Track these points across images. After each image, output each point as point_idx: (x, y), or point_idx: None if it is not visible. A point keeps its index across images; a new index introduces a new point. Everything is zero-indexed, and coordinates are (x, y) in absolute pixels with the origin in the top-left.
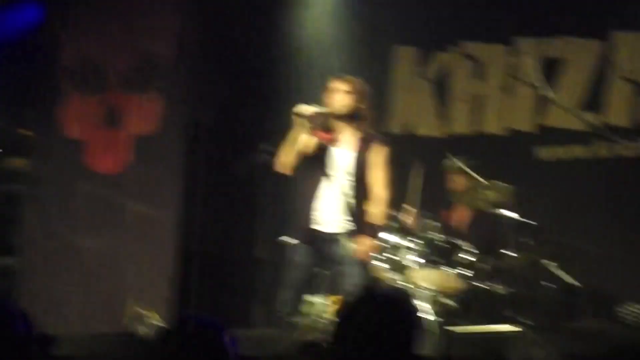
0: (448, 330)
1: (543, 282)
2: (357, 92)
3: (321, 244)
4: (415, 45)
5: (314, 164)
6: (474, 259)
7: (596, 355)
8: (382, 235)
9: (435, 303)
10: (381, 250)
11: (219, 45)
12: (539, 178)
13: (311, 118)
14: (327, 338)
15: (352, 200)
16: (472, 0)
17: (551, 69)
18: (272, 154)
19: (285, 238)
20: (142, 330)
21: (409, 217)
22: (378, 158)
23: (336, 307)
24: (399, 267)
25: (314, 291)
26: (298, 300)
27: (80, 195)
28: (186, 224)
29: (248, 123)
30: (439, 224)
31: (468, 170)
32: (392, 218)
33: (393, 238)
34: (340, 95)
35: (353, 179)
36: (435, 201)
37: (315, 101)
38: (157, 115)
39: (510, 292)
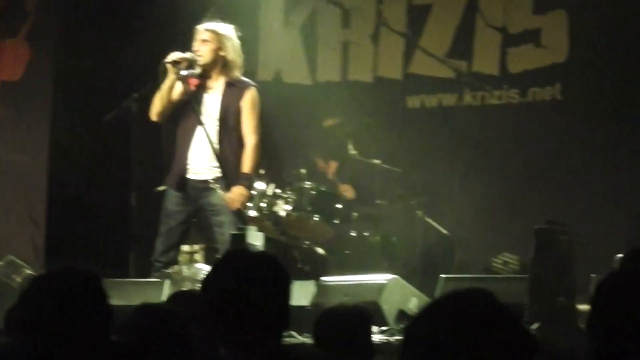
0: (321, 280)
1: (416, 232)
2: (219, 40)
3: (195, 193)
4: None
5: (185, 111)
6: (347, 208)
7: None
8: (255, 184)
9: (308, 251)
10: (254, 199)
11: None
12: (408, 125)
13: (178, 65)
14: (199, 287)
15: (221, 147)
16: None
17: (419, 16)
18: (146, 101)
19: (160, 187)
20: (16, 280)
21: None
22: (247, 105)
23: (208, 255)
24: (272, 216)
25: (188, 240)
26: (173, 249)
27: None
28: (55, 171)
29: (120, 70)
30: (309, 173)
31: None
32: (264, 166)
33: (264, 187)
34: (202, 43)
35: (221, 125)
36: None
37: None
38: (24, 61)
39: (384, 241)
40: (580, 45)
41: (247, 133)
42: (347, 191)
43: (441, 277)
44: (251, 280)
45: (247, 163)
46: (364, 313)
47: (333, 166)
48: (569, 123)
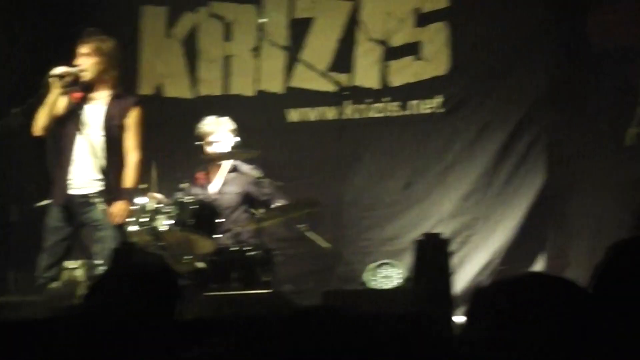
0: (202, 293)
1: (297, 245)
2: (101, 54)
3: (77, 208)
4: (164, 5)
5: (69, 125)
6: (226, 221)
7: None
8: (136, 199)
9: (188, 266)
10: (136, 213)
11: None
12: (289, 139)
13: (62, 79)
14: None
15: (104, 161)
16: None
17: (300, 29)
18: (28, 116)
19: (41, 202)
20: None
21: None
22: (131, 122)
23: (89, 271)
24: (153, 231)
25: (71, 256)
26: (56, 265)
27: None
28: None
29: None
30: (190, 187)
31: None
32: (146, 181)
33: (146, 201)
34: (84, 58)
35: (104, 139)
36: (189, 164)
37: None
38: None
39: (265, 255)
40: (460, 59)
41: (130, 149)
42: None
43: (322, 291)
44: (139, 299)
45: (129, 178)
46: None
47: (216, 179)
48: (449, 136)
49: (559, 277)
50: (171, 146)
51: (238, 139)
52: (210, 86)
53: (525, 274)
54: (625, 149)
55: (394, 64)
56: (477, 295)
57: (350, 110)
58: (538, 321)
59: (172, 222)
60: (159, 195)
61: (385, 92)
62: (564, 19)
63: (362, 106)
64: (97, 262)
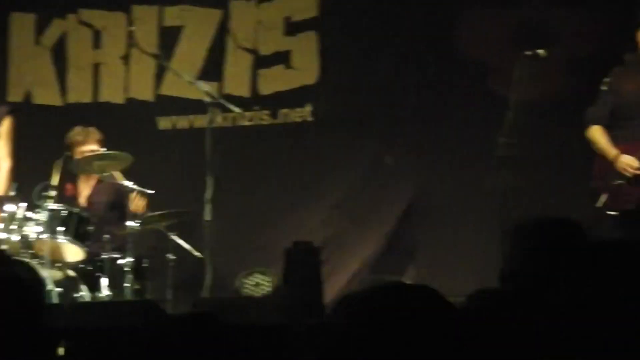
0: (70, 301)
1: (168, 253)
2: None
3: None
4: (33, 12)
5: None
6: (97, 229)
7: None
8: (6, 207)
9: (58, 274)
10: (5, 221)
11: None
12: (159, 147)
13: None
14: None
15: None
16: None
17: (170, 37)
18: None
19: None
20: None
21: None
22: (3, 131)
23: None
24: (22, 239)
25: None
26: None
27: None
28: None
29: None
30: (59, 195)
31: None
32: (16, 189)
33: (15, 209)
34: None
35: None
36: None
37: None
38: None
39: (136, 263)
40: (330, 67)
41: (1, 157)
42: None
43: (193, 300)
44: (7, 309)
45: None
46: None
47: (85, 188)
48: (319, 144)
49: (423, 286)
50: (40, 154)
51: (105, 149)
52: (80, 93)
53: (388, 284)
54: (496, 158)
55: (264, 73)
56: (341, 305)
57: (220, 119)
58: (397, 331)
59: (42, 230)
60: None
61: (256, 100)
62: (432, 34)
63: (232, 115)
64: None
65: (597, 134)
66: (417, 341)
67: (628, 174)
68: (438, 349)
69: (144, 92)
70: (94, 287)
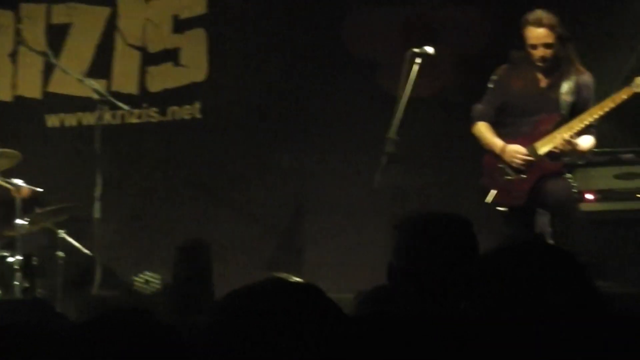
0: None
1: (57, 251)
2: None
3: None
4: None
5: None
6: None
7: None
8: None
9: None
10: None
11: None
12: (47, 144)
13: None
14: None
15: None
16: None
17: (58, 35)
18: None
19: None
20: None
21: None
22: None
23: None
24: None
25: None
26: None
27: None
28: None
29: None
30: None
31: None
32: None
33: None
34: None
35: None
36: None
37: None
38: None
39: (25, 261)
40: (219, 64)
41: None
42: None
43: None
44: None
45: None
46: None
47: None
48: (208, 141)
49: (304, 283)
50: None
51: None
52: None
53: (271, 280)
54: (385, 155)
55: (153, 70)
56: (224, 302)
57: (109, 116)
58: (273, 328)
59: None
60: None
61: (145, 98)
62: (321, 32)
63: (121, 112)
64: None
65: (483, 130)
66: (294, 338)
67: (517, 163)
68: (314, 346)
69: (32, 89)
70: None
